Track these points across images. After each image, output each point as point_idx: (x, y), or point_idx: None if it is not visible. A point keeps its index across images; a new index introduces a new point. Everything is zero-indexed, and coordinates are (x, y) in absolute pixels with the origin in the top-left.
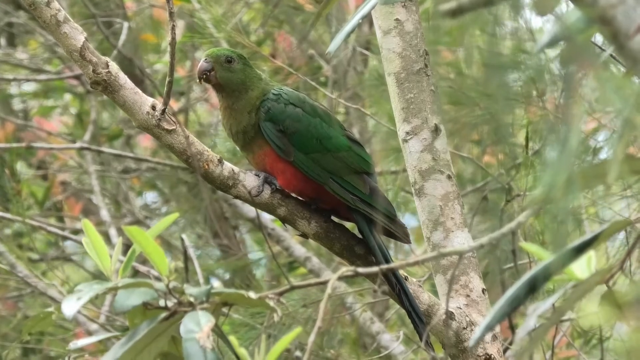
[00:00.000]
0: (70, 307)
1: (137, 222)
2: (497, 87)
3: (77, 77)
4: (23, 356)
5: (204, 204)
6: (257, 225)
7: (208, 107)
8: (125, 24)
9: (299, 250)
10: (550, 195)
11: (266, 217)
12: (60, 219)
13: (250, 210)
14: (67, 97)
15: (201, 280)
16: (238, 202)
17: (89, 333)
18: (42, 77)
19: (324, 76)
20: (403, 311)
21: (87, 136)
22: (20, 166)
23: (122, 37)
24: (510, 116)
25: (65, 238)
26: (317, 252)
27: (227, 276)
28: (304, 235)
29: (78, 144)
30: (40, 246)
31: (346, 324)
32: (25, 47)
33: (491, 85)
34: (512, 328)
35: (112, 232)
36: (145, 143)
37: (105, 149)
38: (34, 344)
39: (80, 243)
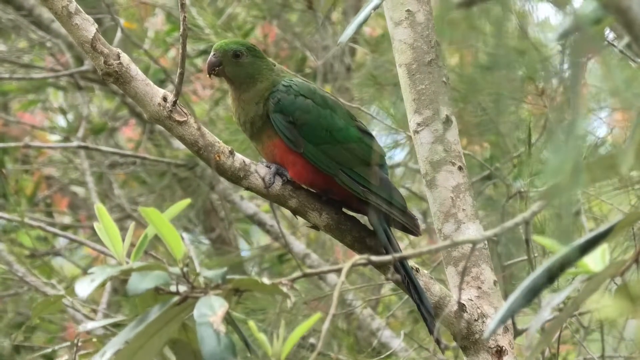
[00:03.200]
0: (84, 288)
1: (127, 216)
2: (496, 84)
3: (71, 75)
4: (14, 351)
5: (199, 199)
6: (256, 221)
7: (194, 99)
8: (121, 21)
9: (298, 246)
10: (558, 182)
11: (264, 214)
12: (49, 214)
13: (248, 207)
14: (49, 90)
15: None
16: (236, 198)
17: (87, 332)
18: (42, 75)
19: (308, 67)
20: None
21: (80, 133)
22: (6, 161)
23: (118, 34)
24: (510, 112)
25: (57, 235)
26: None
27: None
28: (315, 227)
29: (75, 143)
30: (28, 241)
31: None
32: (5, 41)
33: (493, 81)
34: (513, 322)
35: None
36: (127, 133)
37: (103, 147)
38: (25, 341)
39: (73, 240)
